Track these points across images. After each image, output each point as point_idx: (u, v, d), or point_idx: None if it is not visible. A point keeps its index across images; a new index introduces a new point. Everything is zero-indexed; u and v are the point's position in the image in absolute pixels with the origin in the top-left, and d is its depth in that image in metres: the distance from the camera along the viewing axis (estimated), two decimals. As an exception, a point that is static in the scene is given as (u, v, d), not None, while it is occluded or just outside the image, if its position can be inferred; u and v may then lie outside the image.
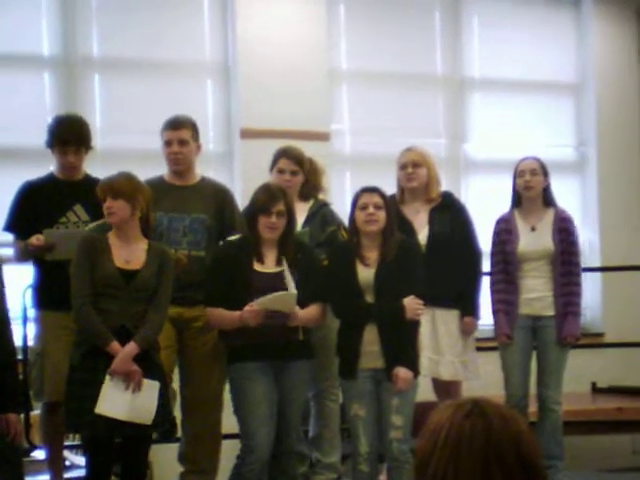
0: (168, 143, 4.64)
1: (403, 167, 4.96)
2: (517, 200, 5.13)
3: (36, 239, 4.42)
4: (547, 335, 4.98)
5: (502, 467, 1.74)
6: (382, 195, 4.43)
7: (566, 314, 4.95)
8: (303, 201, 4.93)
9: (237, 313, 4.21)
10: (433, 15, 7.31)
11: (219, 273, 4.36)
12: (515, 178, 5.10)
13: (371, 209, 4.37)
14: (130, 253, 4.13)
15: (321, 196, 5.06)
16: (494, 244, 5.10)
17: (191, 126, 4.69)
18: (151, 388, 4.08)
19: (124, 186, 4.10)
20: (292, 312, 4.24)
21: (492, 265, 5.10)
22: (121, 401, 3.99)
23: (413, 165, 4.93)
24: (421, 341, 4.76)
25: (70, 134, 4.56)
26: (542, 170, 5.08)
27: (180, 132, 4.63)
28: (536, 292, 4.99)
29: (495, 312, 5.05)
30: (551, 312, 4.97)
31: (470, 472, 1.74)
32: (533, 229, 5.04)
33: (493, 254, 5.10)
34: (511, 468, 1.74)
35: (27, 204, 4.60)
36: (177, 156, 4.63)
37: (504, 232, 5.07)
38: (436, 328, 4.86)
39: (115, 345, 4.01)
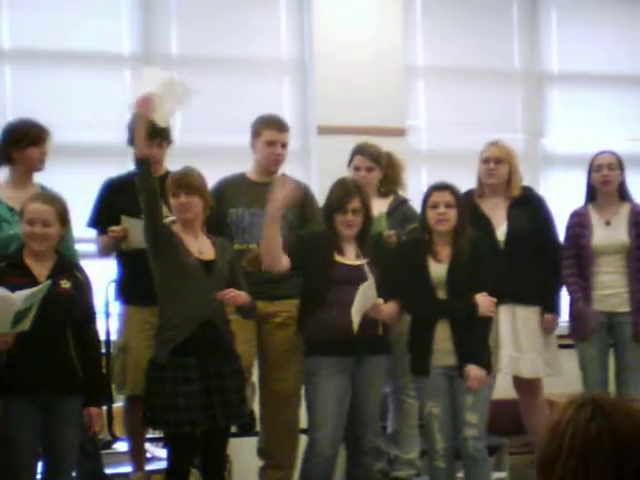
0: (271, 143, 4.67)
1: (485, 161, 4.88)
2: (592, 194, 5.06)
3: (114, 228, 4.48)
4: (623, 332, 4.90)
5: (634, 466, 1.72)
6: (453, 192, 4.36)
7: None
8: (382, 197, 4.93)
9: None
10: (511, 9, 7.23)
11: (300, 264, 4.33)
12: (591, 172, 5.04)
13: (442, 208, 4.31)
14: (201, 246, 4.16)
15: (400, 192, 5.04)
16: (567, 238, 5.02)
17: (289, 128, 4.77)
18: None
19: (199, 182, 4.14)
20: (375, 303, 4.19)
21: (564, 259, 4.99)
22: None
23: (495, 161, 4.84)
24: (501, 338, 4.73)
25: (152, 128, 4.61)
26: (619, 164, 5.02)
27: (285, 135, 4.71)
28: (611, 288, 4.91)
29: (574, 304, 4.94)
30: (626, 308, 4.89)
31: (601, 474, 1.72)
32: (608, 223, 4.96)
33: (566, 249, 5.01)
34: None
35: (109, 201, 4.65)
36: (279, 157, 4.69)
37: (578, 226, 5.00)
38: (516, 325, 4.78)
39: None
